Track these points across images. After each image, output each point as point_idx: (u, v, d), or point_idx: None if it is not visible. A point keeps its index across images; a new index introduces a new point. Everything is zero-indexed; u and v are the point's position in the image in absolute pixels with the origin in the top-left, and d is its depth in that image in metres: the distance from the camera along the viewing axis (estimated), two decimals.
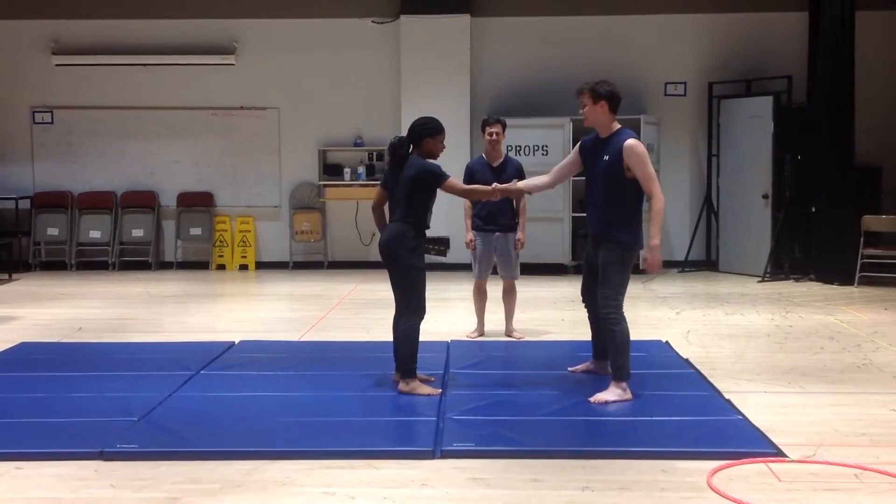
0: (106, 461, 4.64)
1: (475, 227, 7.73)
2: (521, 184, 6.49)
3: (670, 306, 9.45)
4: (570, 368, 6.42)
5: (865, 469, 4.49)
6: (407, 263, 5.88)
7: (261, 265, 12.75)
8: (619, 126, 5.83)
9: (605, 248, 5.77)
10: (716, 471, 4.44)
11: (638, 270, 6.29)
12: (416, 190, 5.93)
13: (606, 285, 5.75)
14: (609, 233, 5.75)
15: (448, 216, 11.59)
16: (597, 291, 5.83)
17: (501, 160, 7.71)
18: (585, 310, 6.19)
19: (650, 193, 5.68)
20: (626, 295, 5.87)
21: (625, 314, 5.79)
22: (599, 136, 5.87)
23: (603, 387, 5.75)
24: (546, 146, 11.66)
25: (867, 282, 10.64)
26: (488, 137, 7.68)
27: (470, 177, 7.75)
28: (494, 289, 7.84)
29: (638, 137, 5.82)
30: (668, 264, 12.27)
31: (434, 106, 11.99)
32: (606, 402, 5.61)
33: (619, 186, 5.70)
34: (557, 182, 6.29)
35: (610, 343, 5.77)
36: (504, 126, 7.76)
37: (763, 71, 11.83)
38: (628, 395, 5.68)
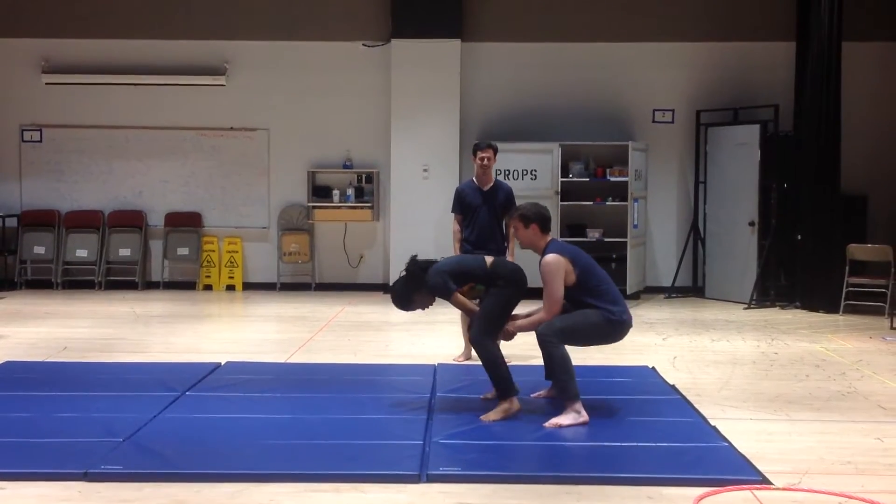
0: (90, 482, 4.61)
1: (464, 252, 7.74)
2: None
3: (657, 332, 9.47)
4: (532, 395, 6.40)
5: (850, 497, 4.50)
6: None
7: (248, 286, 12.72)
8: (548, 241, 6.03)
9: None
10: (701, 497, 4.45)
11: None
12: None
13: (566, 322, 5.83)
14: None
15: (437, 240, 11.63)
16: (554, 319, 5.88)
17: (491, 184, 7.76)
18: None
19: (544, 308, 5.82)
20: None
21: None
22: None
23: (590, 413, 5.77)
24: (535, 171, 11.70)
25: (852, 310, 10.69)
26: (479, 162, 7.73)
27: (460, 201, 7.79)
28: None
29: (561, 251, 5.92)
30: (655, 290, 12.33)
31: (424, 130, 12.10)
32: (561, 426, 5.63)
33: (568, 294, 5.86)
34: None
35: (551, 362, 5.85)
36: (495, 151, 7.82)
37: (750, 99, 11.93)
38: (584, 418, 5.71)
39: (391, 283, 6.11)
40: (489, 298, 5.96)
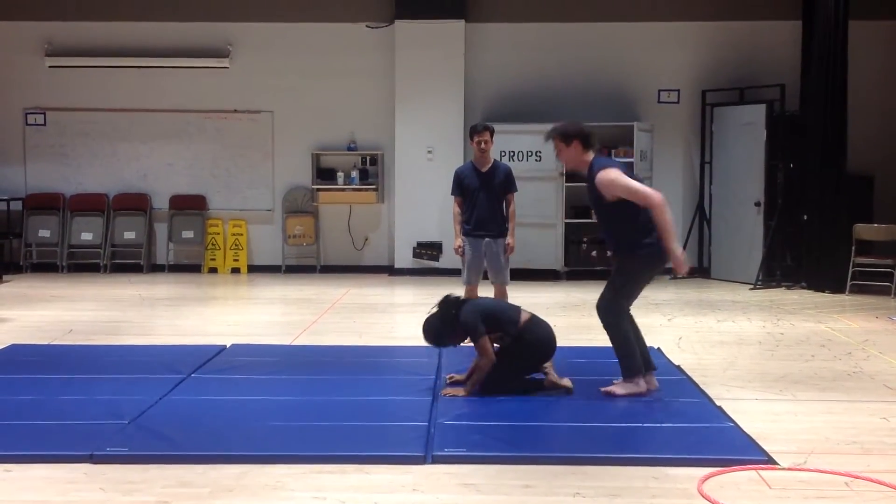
0: (96, 464, 4.62)
1: (465, 233, 7.75)
2: None
3: (662, 313, 9.45)
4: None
5: (856, 477, 4.49)
6: None
7: (253, 269, 12.73)
8: (591, 157, 5.86)
9: (615, 260, 6.06)
10: (707, 478, 4.44)
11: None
12: None
13: (608, 288, 5.96)
14: (615, 248, 6.02)
15: (439, 221, 11.61)
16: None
17: (490, 165, 7.76)
18: None
19: (644, 206, 5.64)
20: None
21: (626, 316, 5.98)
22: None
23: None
24: (539, 152, 11.64)
25: (858, 290, 10.66)
26: (477, 145, 7.72)
27: (459, 182, 7.79)
28: (486, 294, 7.83)
29: (610, 164, 5.85)
30: (661, 271, 12.28)
31: (428, 111, 12.07)
32: (613, 395, 5.79)
33: (605, 209, 5.84)
34: None
35: (611, 341, 5.95)
36: (492, 133, 7.81)
37: (756, 79, 11.86)
38: (640, 389, 5.82)
39: (425, 319, 5.93)
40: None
